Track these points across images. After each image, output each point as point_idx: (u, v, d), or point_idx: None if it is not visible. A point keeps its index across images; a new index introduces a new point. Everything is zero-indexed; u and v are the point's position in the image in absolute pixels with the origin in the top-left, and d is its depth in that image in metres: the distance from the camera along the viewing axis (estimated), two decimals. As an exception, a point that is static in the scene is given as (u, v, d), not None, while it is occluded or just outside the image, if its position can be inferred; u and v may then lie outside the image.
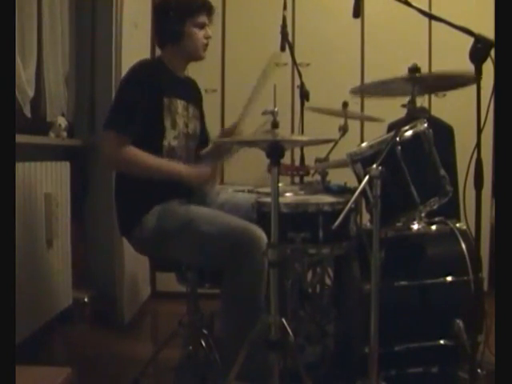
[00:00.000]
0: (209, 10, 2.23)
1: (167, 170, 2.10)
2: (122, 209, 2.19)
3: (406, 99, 1.98)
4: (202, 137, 2.42)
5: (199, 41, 2.22)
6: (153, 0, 3.68)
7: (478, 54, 1.55)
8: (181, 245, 2.05)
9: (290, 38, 2.65)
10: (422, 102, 2.28)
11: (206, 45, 2.25)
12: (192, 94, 2.36)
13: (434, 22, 2.93)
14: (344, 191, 2.21)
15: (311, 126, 2.78)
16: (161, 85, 2.14)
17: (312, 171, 2.70)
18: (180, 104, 2.22)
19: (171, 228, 2.06)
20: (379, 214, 1.72)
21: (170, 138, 2.17)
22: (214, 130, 3.64)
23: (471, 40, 1.57)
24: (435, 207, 2.01)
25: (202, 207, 2.16)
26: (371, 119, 2.82)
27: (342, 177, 2.35)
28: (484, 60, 1.55)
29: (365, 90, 2.48)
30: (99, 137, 2.16)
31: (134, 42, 3.27)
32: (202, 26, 2.21)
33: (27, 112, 2.69)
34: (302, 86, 2.76)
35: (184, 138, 2.24)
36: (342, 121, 2.70)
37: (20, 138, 2.39)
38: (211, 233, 2.00)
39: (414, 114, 1.94)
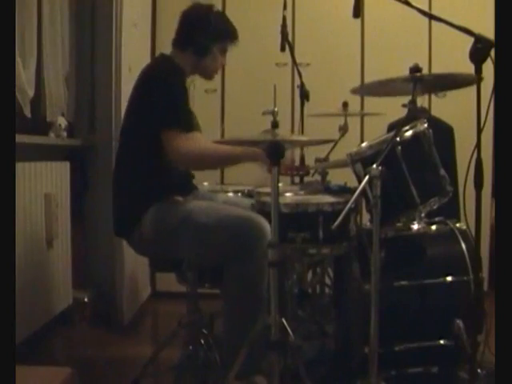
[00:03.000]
0: (235, 40, 2.23)
1: (232, 152, 2.05)
2: (122, 212, 2.17)
3: (406, 99, 1.98)
4: None
5: (218, 65, 2.24)
6: (153, 0, 3.70)
7: (478, 54, 1.55)
8: (182, 240, 2.03)
9: (290, 38, 2.65)
10: (422, 102, 2.28)
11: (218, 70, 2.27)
12: None
13: (433, 22, 2.93)
14: (344, 191, 2.21)
15: (311, 126, 2.78)
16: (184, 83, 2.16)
17: (312, 171, 2.70)
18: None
19: (171, 224, 2.04)
20: (379, 214, 1.72)
21: None
22: (214, 129, 3.69)
23: (471, 40, 1.57)
24: (435, 207, 2.01)
25: (201, 201, 2.15)
26: (371, 114, 2.83)
27: (342, 177, 2.35)
28: (484, 60, 1.55)
29: (365, 90, 2.49)
30: (167, 138, 2.01)
31: (134, 42, 3.28)
32: (223, 52, 2.23)
33: (27, 112, 2.68)
34: (302, 86, 2.76)
35: None
36: (342, 121, 2.70)
37: (20, 138, 2.39)
38: (211, 224, 1.99)
39: (414, 114, 1.94)
